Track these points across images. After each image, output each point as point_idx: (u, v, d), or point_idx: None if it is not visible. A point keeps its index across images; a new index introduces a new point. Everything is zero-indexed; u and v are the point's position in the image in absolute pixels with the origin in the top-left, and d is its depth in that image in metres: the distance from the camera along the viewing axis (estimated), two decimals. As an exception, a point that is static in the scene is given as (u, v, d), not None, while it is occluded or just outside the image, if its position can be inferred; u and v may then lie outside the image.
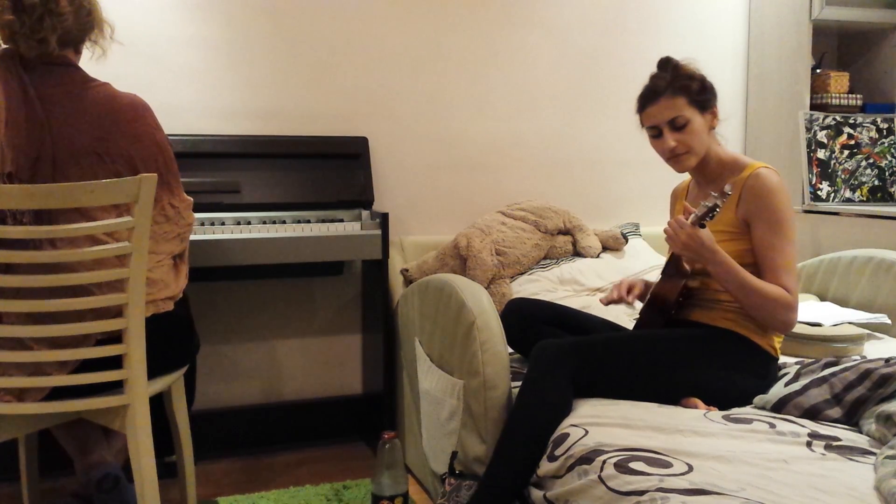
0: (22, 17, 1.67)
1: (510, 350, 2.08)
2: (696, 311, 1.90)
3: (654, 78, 1.93)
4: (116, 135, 1.73)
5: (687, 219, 1.77)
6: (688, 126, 1.86)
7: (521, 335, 2.05)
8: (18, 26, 1.68)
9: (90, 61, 1.84)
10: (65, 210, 1.65)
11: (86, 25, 1.79)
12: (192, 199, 1.90)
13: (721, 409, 1.74)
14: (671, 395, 1.76)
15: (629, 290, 2.05)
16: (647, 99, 1.91)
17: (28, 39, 1.69)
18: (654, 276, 2.08)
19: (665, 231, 1.80)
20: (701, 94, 1.88)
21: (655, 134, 1.91)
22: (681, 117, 1.86)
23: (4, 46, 1.74)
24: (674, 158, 1.90)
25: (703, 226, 1.75)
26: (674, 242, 1.79)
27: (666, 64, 1.93)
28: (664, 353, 1.79)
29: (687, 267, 1.90)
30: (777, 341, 1.88)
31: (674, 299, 1.87)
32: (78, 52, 1.84)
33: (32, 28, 1.68)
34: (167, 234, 1.82)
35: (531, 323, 2.05)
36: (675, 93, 1.86)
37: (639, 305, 2.12)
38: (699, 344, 1.82)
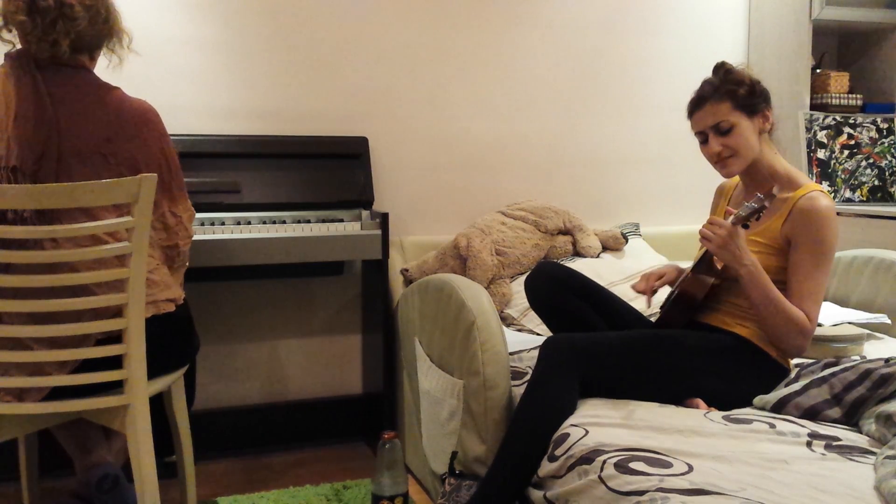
0: (35, 19, 1.69)
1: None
2: (714, 314, 1.89)
3: (703, 83, 1.93)
4: (123, 138, 1.75)
5: (727, 219, 1.76)
6: (733, 130, 1.86)
7: (548, 298, 2.01)
8: (31, 27, 1.69)
9: (106, 69, 1.85)
10: (68, 208, 1.65)
11: (101, 32, 1.80)
12: (194, 210, 1.92)
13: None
14: (678, 399, 1.76)
15: (659, 278, 2.01)
16: (695, 105, 1.92)
17: (40, 41, 1.70)
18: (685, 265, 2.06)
19: (701, 231, 1.78)
20: (748, 97, 1.87)
21: (703, 140, 1.92)
22: (725, 122, 1.86)
23: (18, 47, 1.76)
24: (720, 163, 1.90)
25: (746, 226, 1.74)
26: (710, 241, 1.76)
27: (718, 69, 1.92)
28: (677, 359, 1.78)
29: (719, 266, 1.87)
30: None
31: (701, 298, 1.85)
32: (93, 59, 1.85)
33: (45, 30, 1.70)
34: (162, 240, 1.83)
35: (561, 289, 2.00)
36: (720, 98, 1.86)
37: (657, 300, 2.08)
38: (713, 352, 1.80)
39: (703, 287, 1.85)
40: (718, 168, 1.92)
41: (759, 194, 1.73)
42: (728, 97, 1.86)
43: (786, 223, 1.83)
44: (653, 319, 2.06)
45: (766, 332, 1.80)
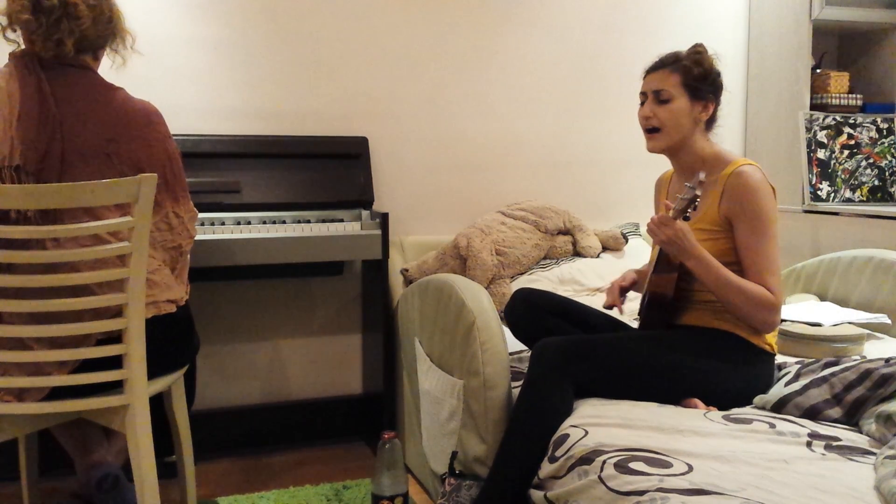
0: (40, 18, 1.69)
1: (514, 339, 2.08)
2: (692, 313, 1.90)
3: (671, 52, 1.94)
4: (127, 138, 1.75)
5: (668, 213, 1.76)
6: (670, 103, 1.87)
7: (528, 324, 2.03)
8: (35, 26, 1.70)
9: (110, 70, 1.85)
10: (71, 208, 1.65)
11: (105, 32, 1.80)
12: (197, 211, 1.92)
13: (721, 408, 1.74)
14: (671, 396, 1.76)
15: (622, 290, 2.08)
16: (651, 67, 1.94)
17: (45, 41, 1.71)
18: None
19: (648, 227, 1.80)
20: (698, 81, 1.88)
21: (642, 101, 1.94)
22: (665, 91, 1.87)
23: (23, 47, 1.76)
24: (647, 133, 1.92)
25: (686, 218, 1.75)
26: (656, 237, 1.79)
27: (692, 47, 1.93)
28: (663, 354, 1.79)
29: (676, 260, 1.87)
30: (772, 338, 1.87)
31: (672, 293, 1.86)
32: (97, 59, 1.85)
33: (49, 29, 1.70)
34: (166, 241, 1.83)
35: (538, 312, 2.02)
36: (674, 69, 1.88)
37: (633, 305, 2.11)
38: (697, 344, 1.81)
39: (670, 283, 1.86)
40: (646, 138, 1.93)
41: (687, 184, 1.72)
42: (681, 72, 1.88)
43: (721, 203, 1.83)
44: (634, 325, 2.07)
45: (734, 315, 1.81)
